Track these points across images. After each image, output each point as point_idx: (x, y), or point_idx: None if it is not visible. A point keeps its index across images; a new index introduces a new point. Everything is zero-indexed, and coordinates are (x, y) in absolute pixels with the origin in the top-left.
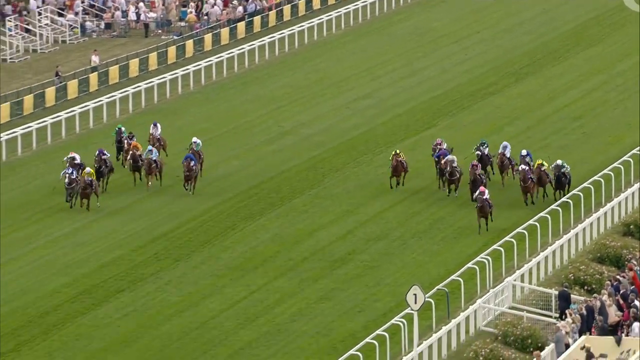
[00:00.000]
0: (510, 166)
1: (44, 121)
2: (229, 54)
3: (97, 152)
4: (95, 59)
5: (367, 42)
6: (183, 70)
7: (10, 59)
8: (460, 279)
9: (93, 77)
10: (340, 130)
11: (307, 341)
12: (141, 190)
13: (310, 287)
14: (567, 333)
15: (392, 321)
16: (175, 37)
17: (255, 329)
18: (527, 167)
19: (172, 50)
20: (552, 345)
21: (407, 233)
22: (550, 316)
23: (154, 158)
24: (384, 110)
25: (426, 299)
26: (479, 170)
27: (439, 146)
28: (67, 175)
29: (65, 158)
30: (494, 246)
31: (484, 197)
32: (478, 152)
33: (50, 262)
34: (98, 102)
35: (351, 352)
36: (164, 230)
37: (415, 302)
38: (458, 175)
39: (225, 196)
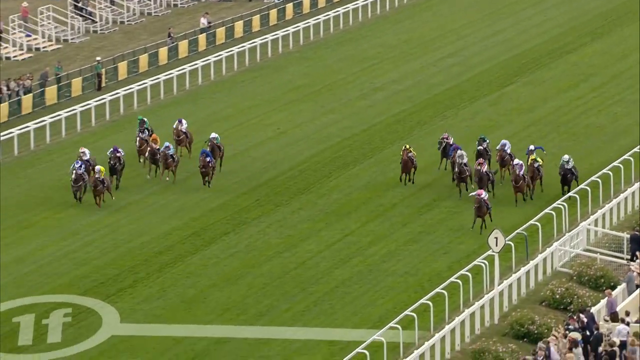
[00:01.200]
0: (510, 162)
1: (157, 78)
2: (325, 16)
3: (112, 149)
4: (204, 21)
5: (452, 5)
6: (283, 32)
7: (128, 21)
8: (538, 223)
9: (202, 38)
10: (428, 86)
11: (396, 280)
12: (245, 146)
13: (399, 231)
14: (638, 274)
15: (475, 262)
16: (277, 1)
17: (349, 268)
18: (520, 163)
19: (273, 13)
20: (623, 285)
21: None
22: (622, 258)
23: (171, 153)
24: (468, 67)
25: (506, 242)
26: (484, 167)
27: (445, 140)
28: (74, 171)
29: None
30: (570, 193)
31: (482, 197)
32: (480, 147)
33: (164, 206)
34: (206, 60)
35: (437, 290)
36: (265, 178)
37: (496, 245)
38: (468, 174)
39: (322, 147)
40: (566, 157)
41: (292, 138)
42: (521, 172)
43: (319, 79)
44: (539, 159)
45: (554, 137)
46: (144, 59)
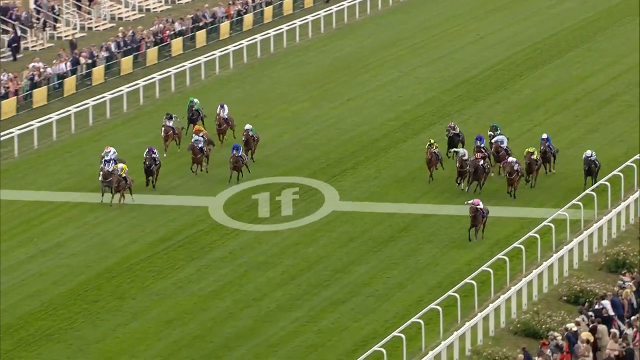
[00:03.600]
0: (506, 157)
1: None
2: None
3: (147, 150)
4: None
5: None
6: None
7: None
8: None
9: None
10: None
11: (579, 166)
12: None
13: (581, 122)
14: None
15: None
16: None
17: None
18: (515, 160)
19: None
20: None
21: None
22: None
23: (201, 146)
24: None
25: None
26: (481, 161)
27: (452, 130)
28: (102, 170)
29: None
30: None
31: (478, 207)
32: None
33: (381, 101)
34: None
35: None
36: (466, 77)
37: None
38: (467, 168)
39: (514, 50)
40: (588, 152)
41: (489, 42)
42: (516, 167)
43: None
44: (535, 152)
45: None
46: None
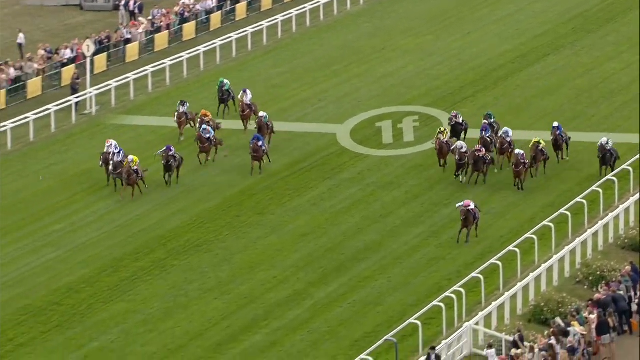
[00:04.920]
0: (510, 150)
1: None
2: None
3: (165, 148)
4: None
5: None
6: None
7: None
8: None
9: None
10: None
11: None
12: None
13: None
14: None
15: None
16: None
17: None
18: (522, 152)
19: None
20: None
21: None
22: None
23: (209, 136)
24: None
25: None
26: (482, 152)
27: (455, 119)
28: (112, 161)
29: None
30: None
31: (469, 207)
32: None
33: (499, 34)
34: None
35: None
36: (579, 10)
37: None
38: (466, 160)
39: None
40: (604, 139)
41: None
42: (523, 159)
43: None
44: (542, 141)
45: None
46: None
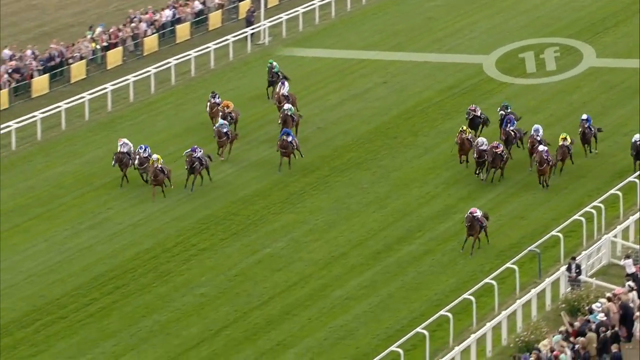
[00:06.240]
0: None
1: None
2: None
3: (190, 149)
4: None
5: None
6: None
7: None
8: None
9: None
10: None
11: None
12: None
13: None
14: None
15: None
16: None
17: None
18: (546, 149)
19: None
20: None
21: None
22: None
23: (225, 130)
24: None
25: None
26: (500, 149)
27: (473, 112)
28: (138, 155)
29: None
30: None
31: (475, 215)
32: (502, 111)
33: None
34: None
35: None
36: None
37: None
38: (486, 157)
39: None
40: (637, 136)
41: None
42: (547, 157)
43: None
44: (568, 138)
45: None
46: None
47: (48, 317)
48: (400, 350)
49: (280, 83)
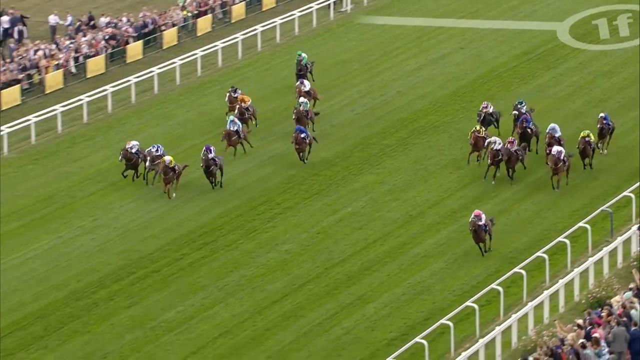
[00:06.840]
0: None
1: None
2: None
3: (204, 149)
4: None
5: None
6: None
7: None
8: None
9: None
10: None
11: None
12: None
13: None
14: None
15: None
16: None
17: None
18: (561, 149)
19: None
20: None
21: None
22: None
23: (235, 129)
24: None
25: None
26: (514, 147)
27: (485, 109)
28: (150, 154)
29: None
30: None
31: (480, 222)
32: (515, 111)
33: None
34: None
35: None
36: None
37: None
38: (501, 157)
39: None
40: None
41: None
42: (561, 156)
43: None
44: (591, 135)
45: None
46: None
47: (142, 270)
48: (476, 306)
49: (299, 82)
